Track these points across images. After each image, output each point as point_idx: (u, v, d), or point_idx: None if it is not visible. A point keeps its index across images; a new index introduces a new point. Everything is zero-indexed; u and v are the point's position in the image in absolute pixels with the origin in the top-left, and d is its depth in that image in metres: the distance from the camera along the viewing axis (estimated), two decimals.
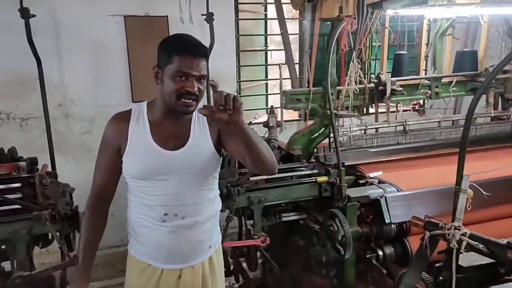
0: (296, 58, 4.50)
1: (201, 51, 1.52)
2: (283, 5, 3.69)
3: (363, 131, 3.04)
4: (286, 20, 3.67)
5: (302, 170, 2.79)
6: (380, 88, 2.97)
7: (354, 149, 2.97)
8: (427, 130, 3.17)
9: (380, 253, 2.55)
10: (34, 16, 3.09)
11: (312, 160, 2.93)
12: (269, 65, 4.91)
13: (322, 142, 3.02)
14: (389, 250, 2.55)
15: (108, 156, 1.63)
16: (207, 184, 1.68)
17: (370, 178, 2.76)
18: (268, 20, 4.77)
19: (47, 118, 3.30)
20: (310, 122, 3.45)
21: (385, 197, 2.49)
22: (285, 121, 4.41)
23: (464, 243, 1.57)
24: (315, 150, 2.99)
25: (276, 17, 3.78)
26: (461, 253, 1.64)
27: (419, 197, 2.55)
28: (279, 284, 2.91)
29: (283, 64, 4.42)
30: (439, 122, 3.21)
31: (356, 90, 2.93)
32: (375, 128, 3.09)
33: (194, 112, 1.63)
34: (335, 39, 2.66)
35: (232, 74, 4.43)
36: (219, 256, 1.83)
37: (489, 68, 3.28)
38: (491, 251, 1.56)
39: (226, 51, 4.27)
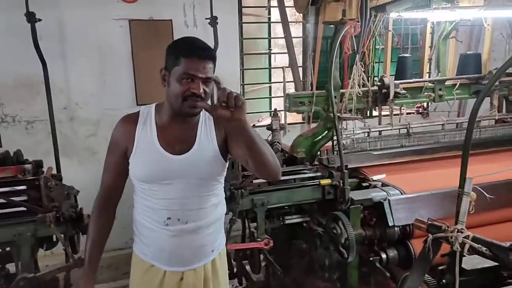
0: (299, 61, 4.52)
1: (208, 54, 1.53)
2: (286, 8, 3.71)
3: (366, 134, 3.04)
4: (289, 23, 3.68)
5: (305, 173, 2.80)
6: (384, 91, 2.97)
7: (357, 152, 2.97)
8: (431, 133, 3.17)
9: (384, 256, 2.54)
10: (40, 20, 3.12)
11: (316, 163, 2.93)
12: (273, 68, 4.93)
13: (326, 145, 3.02)
14: (392, 253, 2.55)
15: (116, 157, 1.64)
16: (212, 189, 1.67)
17: (374, 181, 2.76)
18: (271, 24, 4.79)
19: (52, 121, 3.33)
20: (313, 125, 3.45)
21: (389, 200, 2.49)
22: (289, 124, 4.41)
23: (467, 246, 1.57)
24: (319, 153, 3.00)
25: (279, 20, 3.80)
26: (464, 256, 1.63)
27: (422, 200, 2.54)
28: (283, 286, 2.91)
29: (286, 67, 4.43)
30: (442, 125, 3.20)
31: (359, 93, 2.93)
32: (379, 131, 3.09)
33: (201, 116, 1.63)
34: (338, 42, 2.67)
35: (236, 77, 4.44)
36: (222, 259, 1.82)
37: (493, 70, 3.27)
38: (494, 254, 1.55)
39: (230, 54, 4.28)
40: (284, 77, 4.63)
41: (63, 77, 3.87)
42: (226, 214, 2.51)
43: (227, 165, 1.70)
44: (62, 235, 2.38)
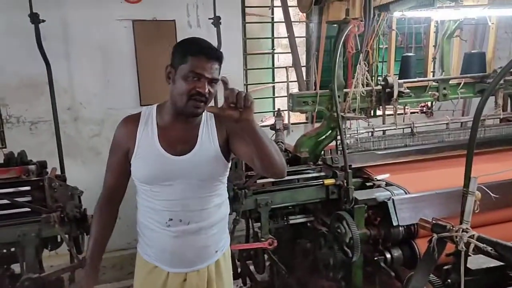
0: (303, 61, 4.51)
1: (215, 54, 1.53)
2: (290, 8, 3.70)
3: (370, 134, 3.03)
4: (293, 23, 3.67)
5: (309, 173, 2.79)
6: (387, 90, 2.96)
7: (361, 152, 2.96)
8: (435, 132, 3.15)
9: (388, 255, 2.53)
10: (43, 21, 3.13)
11: (319, 162, 2.93)
12: (276, 68, 4.92)
13: (329, 144, 3.02)
14: (397, 252, 2.54)
15: (118, 158, 1.64)
16: (214, 189, 1.66)
17: (378, 180, 2.76)
18: (274, 23, 4.79)
19: (56, 121, 3.34)
20: (317, 125, 3.45)
21: (393, 199, 2.49)
22: (292, 123, 4.42)
23: (472, 246, 1.56)
24: (322, 152, 2.99)
25: (283, 20, 3.80)
26: (470, 255, 1.62)
27: (427, 200, 2.54)
28: (287, 286, 2.91)
29: (290, 67, 4.43)
30: (447, 124, 3.19)
31: (363, 93, 2.92)
32: (383, 130, 3.08)
33: (203, 117, 1.63)
34: (342, 42, 2.66)
35: (239, 77, 4.45)
36: (227, 260, 1.81)
37: (498, 69, 3.26)
38: (500, 253, 1.54)
39: (233, 54, 4.29)
40: (287, 77, 4.63)
41: (67, 78, 3.89)
42: (229, 214, 2.52)
43: (229, 165, 1.69)
44: (66, 236, 2.39)
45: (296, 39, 3.70)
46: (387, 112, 3.13)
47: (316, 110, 2.99)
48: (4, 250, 2.47)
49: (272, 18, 4.74)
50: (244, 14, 4.48)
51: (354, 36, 2.74)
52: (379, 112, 3.17)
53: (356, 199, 2.55)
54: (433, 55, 3.50)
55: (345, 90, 2.95)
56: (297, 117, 4.91)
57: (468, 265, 1.64)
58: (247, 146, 1.51)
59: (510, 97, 3.46)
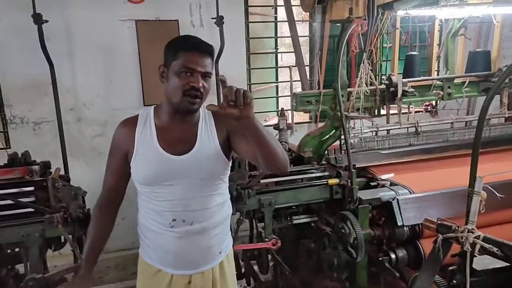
0: (306, 60, 4.50)
1: (206, 49, 1.54)
2: (293, 7, 3.68)
3: (374, 133, 3.02)
4: (296, 22, 3.66)
5: (313, 173, 2.78)
6: (391, 89, 2.95)
7: (365, 151, 2.95)
8: (440, 131, 3.14)
9: (393, 256, 2.52)
10: (46, 21, 3.13)
11: (323, 162, 2.91)
12: (280, 67, 4.91)
13: (333, 144, 3.01)
14: (401, 253, 2.53)
15: (117, 160, 1.64)
16: (216, 188, 1.65)
17: (382, 180, 2.74)
18: (278, 23, 4.77)
19: (60, 122, 3.34)
20: (320, 124, 3.44)
21: (397, 199, 2.47)
22: (296, 123, 4.40)
23: (478, 247, 1.54)
24: (326, 152, 2.98)
25: (286, 19, 3.78)
26: (475, 256, 1.61)
27: (431, 199, 2.52)
28: (291, 286, 2.90)
29: (293, 66, 4.41)
30: (452, 123, 3.17)
31: (367, 92, 2.91)
32: (387, 129, 3.07)
33: (201, 115, 1.63)
34: (345, 41, 2.65)
35: (243, 77, 4.44)
36: (230, 261, 1.80)
37: (503, 68, 3.24)
38: (506, 254, 1.53)
39: (236, 54, 4.28)
40: (291, 76, 4.61)
41: (70, 78, 3.89)
42: (233, 214, 2.51)
43: (230, 164, 1.68)
44: (70, 236, 2.39)
45: (299, 38, 3.68)
46: (391, 111, 3.12)
47: (319, 109, 2.97)
48: (9, 250, 2.47)
49: (276, 18, 4.72)
50: (247, 13, 4.47)
51: (357, 35, 2.72)
52: (383, 112, 3.16)
53: (360, 199, 2.54)
54: (437, 54, 3.48)
55: (348, 89, 2.94)
56: (301, 116, 4.89)
57: (473, 266, 1.63)
58: (248, 144, 1.50)
59: None
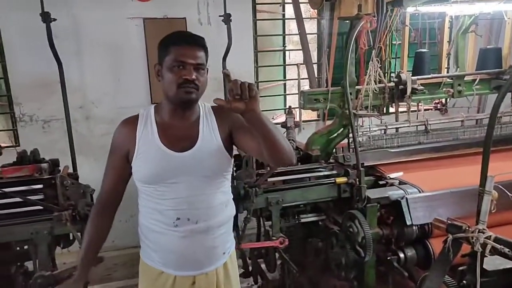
0: (314, 58, 4.48)
1: (196, 41, 1.54)
2: (301, 4, 3.66)
3: (383, 131, 2.99)
4: (304, 19, 3.64)
5: (320, 171, 2.76)
6: (401, 87, 2.92)
7: (373, 150, 2.93)
8: (450, 129, 3.10)
9: (401, 255, 2.50)
10: (55, 20, 3.14)
11: (331, 160, 2.89)
12: (287, 65, 4.89)
13: (341, 142, 2.99)
14: (410, 252, 2.50)
15: (116, 161, 1.62)
16: (219, 186, 1.64)
17: (391, 179, 2.72)
18: (286, 20, 4.75)
19: (68, 120, 3.36)
20: (328, 122, 3.42)
21: (406, 198, 2.45)
22: (303, 121, 4.39)
23: (489, 247, 1.52)
24: (334, 150, 2.96)
25: (293, 17, 3.76)
26: (486, 256, 1.59)
27: (441, 199, 2.49)
28: (298, 285, 2.89)
29: (301, 64, 4.39)
30: (462, 121, 3.13)
31: (375, 90, 2.88)
32: (396, 128, 3.03)
33: (201, 112, 1.62)
34: (354, 38, 2.62)
35: (250, 75, 4.43)
36: (233, 262, 1.78)
37: None
38: None
39: (244, 51, 4.27)
40: (298, 74, 4.59)
41: (78, 76, 3.91)
42: (240, 213, 2.51)
43: (232, 161, 1.67)
44: (78, 234, 2.39)
45: (307, 35, 3.66)
46: (400, 109, 3.09)
47: (327, 107, 2.95)
48: (18, 248, 2.49)
49: (283, 15, 4.70)
50: (254, 11, 4.45)
51: (366, 32, 2.69)
52: (392, 110, 3.13)
53: (369, 198, 2.52)
54: (447, 51, 3.44)
55: (357, 87, 2.91)
56: (308, 114, 4.87)
57: (484, 266, 1.61)
58: (252, 139, 1.49)
59: None
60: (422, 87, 2.94)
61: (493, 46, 3.59)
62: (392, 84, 2.97)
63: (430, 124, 3.04)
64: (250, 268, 2.96)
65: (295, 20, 3.74)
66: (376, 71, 2.85)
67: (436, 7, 2.79)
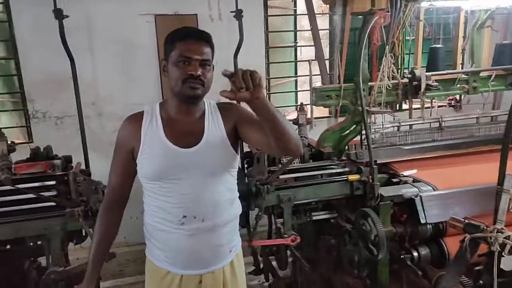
0: (326, 54, 4.43)
1: (202, 36, 1.52)
2: (313, 0, 3.62)
3: (396, 128, 2.96)
4: (316, 15, 3.60)
5: (333, 168, 2.74)
6: (414, 83, 2.88)
7: (386, 147, 2.89)
8: (464, 126, 3.05)
9: (415, 254, 2.47)
10: (67, 16, 3.15)
11: (343, 158, 2.87)
12: (299, 61, 4.85)
13: (353, 139, 2.95)
14: (424, 251, 2.47)
15: (122, 159, 1.62)
16: (225, 182, 1.62)
17: (404, 176, 2.68)
18: (297, 16, 4.71)
19: (81, 116, 3.37)
20: (340, 119, 3.38)
21: (420, 196, 2.41)
22: (315, 118, 4.35)
23: (508, 247, 1.48)
24: (346, 147, 2.93)
25: (305, 12, 3.73)
26: (503, 256, 1.55)
27: (456, 197, 2.45)
28: (310, 283, 2.87)
29: (313, 60, 4.35)
30: (477, 118, 3.08)
31: (389, 86, 2.84)
32: (409, 124, 3.00)
33: (207, 108, 1.61)
34: (367, 34, 2.59)
35: (261, 71, 4.40)
36: (240, 260, 1.76)
37: None
38: None
39: (255, 48, 4.25)
40: (310, 70, 4.55)
41: (90, 73, 3.93)
42: (252, 210, 2.50)
43: (238, 157, 1.64)
44: (90, 230, 2.40)
45: (319, 31, 3.62)
46: (413, 106, 3.04)
47: (340, 104, 2.92)
48: (31, 243, 2.51)
49: (295, 11, 4.66)
50: (266, 7, 4.42)
51: (379, 28, 2.66)
52: (405, 106, 3.09)
53: (382, 196, 2.49)
54: (462, 47, 3.38)
55: (370, 83, 2.88)
56: (320, 111, 4.83)
57: (501, 266, 1.58)
58: (257, 131, 1.48)
59: None
60: (436, 83, 2.90)
61: (510, 41, 3.51)
62: (406, 80, 2.93)
63: (444, 121, 3.00)
64: (261, 266, 2.95)
65: (306, 16, 3.71)
66: (390, 67, 2.81)
67: (451, 2, 2.74)
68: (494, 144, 2.88)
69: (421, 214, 2.36)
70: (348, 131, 2.94)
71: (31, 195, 2.35)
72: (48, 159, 2.54)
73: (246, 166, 2.88)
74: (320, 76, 3.69)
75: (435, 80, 2.93)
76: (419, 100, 2.95)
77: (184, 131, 1.56)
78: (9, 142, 2.62)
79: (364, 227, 2.47)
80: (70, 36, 3.27)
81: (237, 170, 1.68)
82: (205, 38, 1.52)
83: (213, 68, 1.54)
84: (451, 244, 2.37)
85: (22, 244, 2.49)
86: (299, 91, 4.89)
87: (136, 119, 1.61)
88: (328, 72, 3.95)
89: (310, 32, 3.69)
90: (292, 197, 2.55)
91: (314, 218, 2.75)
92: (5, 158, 2.52)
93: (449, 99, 4.59)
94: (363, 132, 2.75)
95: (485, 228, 1.54)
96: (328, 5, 3.84)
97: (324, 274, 2.94)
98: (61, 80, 3.76)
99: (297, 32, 4.77)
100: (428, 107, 3.12)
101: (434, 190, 2.51)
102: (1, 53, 4.00)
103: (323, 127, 3.31)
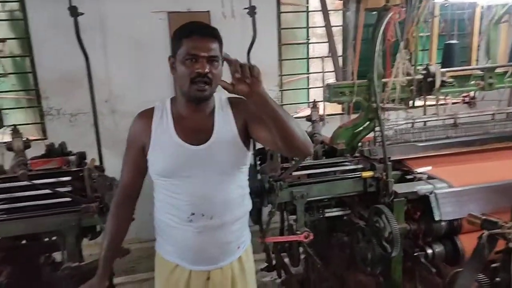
0: (339, 51, 4.41)
1: (209, 32, 1.49)
2: None
3: (410, 125, 2.93)
4: (329, 11, 3.59)
5: (346, 165, 2.72)
6: (429, 79, 2.85)
7: (400, 143, 2.86)
8: (480, 123, 3.01)
9: (429, 251, 2.44)
10: (82, 14, 3.18)
11: (356, 154, 2.85)
12: (311, 58, 4.84)
13: (367, 136, 2.93)
14: (438, 248, 2.44)
15: (133, 155, 1.62)
16: (235, 180, 1.60)
17: (419, 173, 2.65)
18: (309, 13, 4.69)
19: (95, 113, 3.40)
20: (353, 116, 3.36)
21: (435, 193, 2.39)
22: (327, 115, 4.33)
23: None
24: (359, 144, 2.91)
25: (318, 9, 3.72)
26: None
27: (471, 194, 2.42)
28: (322, 280, 2.86)
29: (325, 57, 4.34)
30: (493, 114, 3.03)
31: (403, 82, 2.82)
32: (424, 121, 2.96)
33: (217, 104, 1.59)
34: (381, 30, 2.56)
35: (274, 68, 4.40)
36: (249, 256, 1.76)
37: None
38: None
39: (268, 44, 4.25)
40: (323, 67, 4.54)
41: (104, 70, 3.96)
42: (265, 206, 2.50)
43: (249, 154, 1.62)
44: (104, 225, 2.42)
45: (332, 28, 3.61)
46: (428, 103, 3.01)
47: (353, 100, 2.90)
48: (46, 239, 2.54)
49: (307, 7, 4.65)
50: (278, 3, 4.42)
51: (394, 24, 2.63)
52: (419, 103, 3.06)
53: (396, 193, 2.46)
54: (478, 43, 3.33)
55: (384, 79, 2.85)
56: (333, 108, 4.82)
57: None
58: (266, 129, 1.43)
59: None
60: (451, 80, 2.86)
61: None
62: (420, 76, 2.90)
63: (459, 118, 2.96)
64: (273, 262, 2.95)
65: (318, 13, 3.70)
66: (404, 64, 2.79)
67: None
68: (510, 141, 2.84)
69: (436, 211, 2.34)
70: (361, 128, 2.92)
71: (46, 191, 2.37)
72: (63, 155, 2.58)
73: (259, 162, 2.88)
74: (332, 73, 3.69)
75: (450, 76, 2.90)
76: (433, 96, 2.91)
77: (194, 128, 1.55)
78: (24, 139, 2.65)
79: (377, 224, 2.45)
80: (84, 34, 3.30)
81: (248, 166, 1.66)
82: (212, 34, 1.49)
83: (223, 63, 1.48)
84: (465, 242, 2.35)
85: (38, 240, 2.53)
86: (311, 88, 4.88)
87: (147, 115, 1.60)
88: (341, 69, 3.95)
89: (322, 28, 3.70)
90: (305, 194, 2.54)
91: (327, 215, 2.74)
92: (22, 154, 2.54)
93: (463, 96, 4.53)
94: (377, 128, 2.72)
95: (503, 224, 1.52)
96: (341, 1, 3.82)
97: (337, 271, 2.93)
98: (75, 78, 3.80)
99: (309, 29, 4.76)
100: (442, 104, 3.08)
101: (449, 187, 2.48)
102: (16, 51, 4.06)
103: (336, 124, 3.30)
